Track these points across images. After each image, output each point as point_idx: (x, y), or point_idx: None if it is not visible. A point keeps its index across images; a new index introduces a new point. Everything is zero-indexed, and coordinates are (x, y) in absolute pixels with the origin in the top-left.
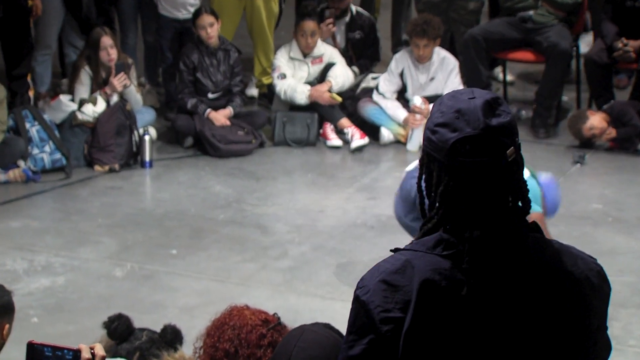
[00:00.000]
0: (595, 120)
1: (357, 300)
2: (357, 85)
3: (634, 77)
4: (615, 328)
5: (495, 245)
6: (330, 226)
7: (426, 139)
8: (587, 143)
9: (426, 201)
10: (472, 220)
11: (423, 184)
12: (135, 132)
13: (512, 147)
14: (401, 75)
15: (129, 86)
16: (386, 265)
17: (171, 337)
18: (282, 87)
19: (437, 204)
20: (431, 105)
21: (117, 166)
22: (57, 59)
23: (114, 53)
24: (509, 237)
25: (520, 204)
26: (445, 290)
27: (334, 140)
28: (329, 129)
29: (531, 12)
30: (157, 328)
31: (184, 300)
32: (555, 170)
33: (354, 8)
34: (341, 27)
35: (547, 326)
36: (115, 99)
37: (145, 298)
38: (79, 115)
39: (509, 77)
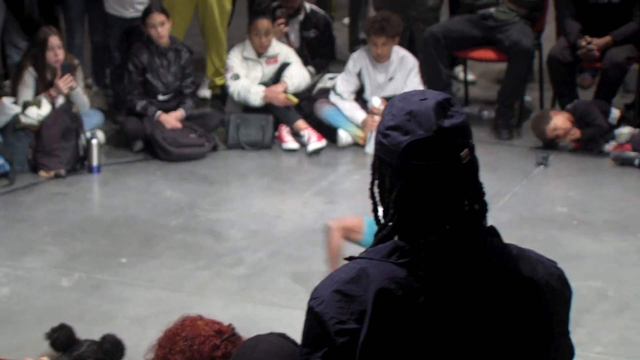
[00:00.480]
0: (559, 121)
1: (310, 312)
2: (313, 85)
3: (598, 76)
4: (580, 334)
5: (452, 252)
6: (287, 232)
7: (377, 142)
8: (550, 144)
9: (380, 208)
10: (427, 226)
11: (376, 190)
12: (82, 136)
13: (467, 149)
14: (359, 75)
15: (75, 88)
16: (340, 275)
17: (110, 347)
18: (236, 88)
19: (391, 210)
20: None
21: (63, 171)
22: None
23: (60, 54)
24: (466, 242)
25: (477, 207)
26: (401, 300)
27: (290, 142)
28: (284, 131)
29: (492, 10)
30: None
31: (134, 311)
32: (518, 172)
33: (308, 6)
34: (295, 26)
35: (507, 333)
36: (61, 101)
37: (94, 309)
38: (23, 119)
39: (470, 77)
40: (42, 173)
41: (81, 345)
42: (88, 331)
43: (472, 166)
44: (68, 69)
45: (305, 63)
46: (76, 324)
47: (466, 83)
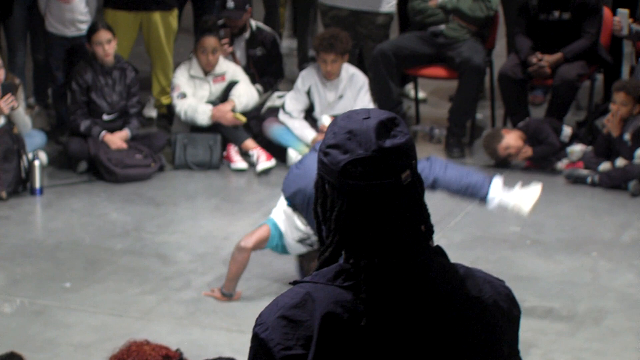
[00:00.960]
0: (511, 139)
1: (255, 339)
2: (261, 104)
3: (549, 93)
4: (534, 355)
5: (395, 274)
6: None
7: (319, 161)
8: (502, 162)
9: (323, 227)
10: (369, 248)
11: (319, 209)
12: (24, 157)
13: (408, 170)
14: (308, 93)
15: (16, 108)
16: (285, 300)
17: None
18: (182, 107)
19: (332, 230)
20: None
21: (4, 194)
22: None
23: (1, 73)
24: (409, 263)
25: (422, 228)
26: (347, 323)
27: (239, 162)
28: (233, 150)
29: (442, 27)
30: None
31: (79, 337)
32: None
33: (254, 24)
34: (241, 44)
35: (454, 354)
36: (1, 121)
37: (36, 335)
38: None
39: (421, 94)
40: None
41: None
42: (31, 359)
43: (415, 187)
44: (9, 88)
45: (253, 81)
46: (18, 351)
47: (417, 101)
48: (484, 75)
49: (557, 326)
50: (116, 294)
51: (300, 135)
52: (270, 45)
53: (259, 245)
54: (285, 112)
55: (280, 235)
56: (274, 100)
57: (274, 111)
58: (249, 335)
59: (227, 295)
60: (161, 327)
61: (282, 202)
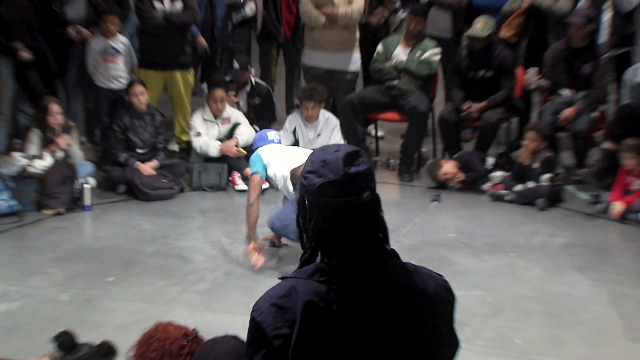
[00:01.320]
0: (448, 167)
1: (252, 321)
2: None
3: (477, 132)
4: (466, 332)
5: (359, 270)
6: (239, 255)
7: (300, 183)
8: (441, 185)
9: (304, 235)
10: (339, 250)
11: (300, 220)
12: (77, 182)
13: (368, 191)
14: (294, 132)
15: (71, 144)
16: (275, 291)
17: (106, 350)
18: (198, 143)
19: (310, 236)
20: None
21: (62, 210)
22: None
23: (60, 118)
24: (371, 263)
25: (380, 235)
26: (322, 309)
27: (241, 185)
28: (236, 176)
29: (396, 82)
30: (97, 343)
31: (118, 320)
32: (417, 207)
33: (253, 79)
34: (243, 95)
35: (405, 332)
36: (60, 155)
37: (86, 318)
38: (30, 169)
39: (380, 133)
40: (45, 211)
41: (81, 348)
42: (82, 336)
43: (374, 203)
44: (66, 130)
45: (252, 123)
46: (77, 329)
47: (377, 138)
48: (427, 118)
49: (483, 309)
50: (147, 287)
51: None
52: (265, 96)
53: (258, 192)
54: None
55: (264, 167)
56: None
57: None
58: (248, 318)
59: (254, 238)
60: (181, 312)
61: (282, 166)
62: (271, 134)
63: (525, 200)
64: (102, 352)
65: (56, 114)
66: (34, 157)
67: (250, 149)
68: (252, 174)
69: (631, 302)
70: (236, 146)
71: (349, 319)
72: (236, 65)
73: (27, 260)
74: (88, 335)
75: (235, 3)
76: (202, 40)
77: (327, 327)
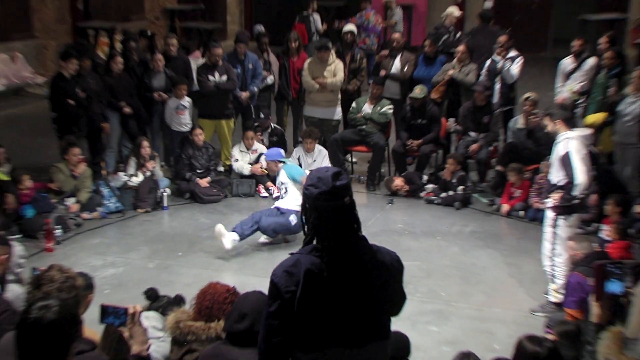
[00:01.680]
0: (398, 181)
1: (272, 282)
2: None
3: (416, 159)
4: (409, 288)
5: (341, 249)
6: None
7: (303, 193)
8: (394, 193)
9: (305, 226)
10: (328, 236)
11: (303, 217)
12: (159, 191)
13: (348, 197)
14: (298, 159)
15: (155, 167)
16: (286, 262)
17: (179, 300)
18: (236, 166)
19: (310, 228)
20: None
21: (149, 209)
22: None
23: (148, 150)
24: (349, 244)
25: (355, 226)
26: (317, 274)
27: (264, 193)
28: (261, 187)
29: (364, 127)
30: (172, 295)
31: (185, 280)
32: (378, 207)
33: (272, 125)
34: (266, 135)
35: (372, 290)
36: (148, 174)
37: (164, 279)
38: (129, 183)
39: (355, 159)
40: (139, 210)
41: (162, 298)
42: (162, 291)
43: (352, 205)
44: (152, 157)
45: None
46: (156, 287)
47: (352, 163)
48: (384, 150)
49: (420, 274)
50: (203, 259)
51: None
52: (280, 136)
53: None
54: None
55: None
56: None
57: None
58: (269, 280)
59: None
60: (225, 276)
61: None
62: (281, 151)
63: (447, 203)
64: (176, 301)
65: (146, 147)
66: (132, 175)
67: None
68: (302, 176)
69: (514, 268)
70: (261, 168)
71: (335, 281)
72: (262, 115)
73: (127, 241)
74: (166, 290)
75: (262, 79)
76: (243, 96)
77: (319, 287)
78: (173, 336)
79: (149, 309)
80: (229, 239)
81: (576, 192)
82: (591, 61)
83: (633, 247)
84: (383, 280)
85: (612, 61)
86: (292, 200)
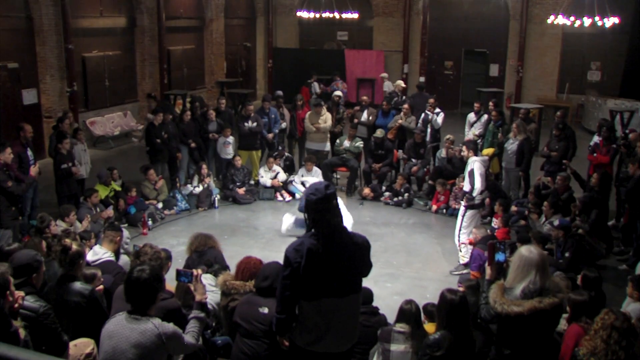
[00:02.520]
0: (367, 190)
1: (285, 256)
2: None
3: (378, 176)
4: (373, 259)
5: (332, 234)
6: (280, 227)
7: (305, 199)
8: (364, 198)
9: (307, 222)
10: (323, 227)
11: (305, 216)
12: (212, 196)
13: (335, 200)
14: (302, 175)
15: (210, 181)
16: (295, 242)
17: (225, 267)
18: (262, 180)
19: (310, 222)
20: None
21: (206, 208)
22: (186, 173)
23: (206, 170)
24: (336, 231)
25: (339, 219)
26: (315, 251)
27: (279, 198)
28: (278, 194)
29: (344, 155)
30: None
31: (229, 254)
32: (353, 207)
33: (285, 154)
34: (281, 160)
35: (352, 261)
36: (206, 185)
37: None
38: (194, 191)
39: (338, 176)
40: (199, 209)
41: (215, 266)
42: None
43: (337, 206)
44: (207, 175)
45: (285, 172)
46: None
47: (337, 178)
48: (357, 170)
49: (380, 250)
50: (240, 240)
51: (301, 190)
52: (290, 161)
53: None
54: (295, 182)
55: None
56: (293, 178)
57: (291, 181)
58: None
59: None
60: (255, 252)
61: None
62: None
63: (398, 204)
64: (223, 268)
65: (204, 168)
66: (195, 186)
67: (286, 182)
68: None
69: (439, 246)
70: (277, 182)
71: (327, 255)
72: (280, 148)
73: (192, 228)
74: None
75: (279, 125)
76: (269, 136)
77: (317, 259)
78: (222, 290)
79: (206, 272)
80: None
81: (475, 194)
82: (485, 116)
83: (510, 232)
84: (357, 255)
85: (496, 117)
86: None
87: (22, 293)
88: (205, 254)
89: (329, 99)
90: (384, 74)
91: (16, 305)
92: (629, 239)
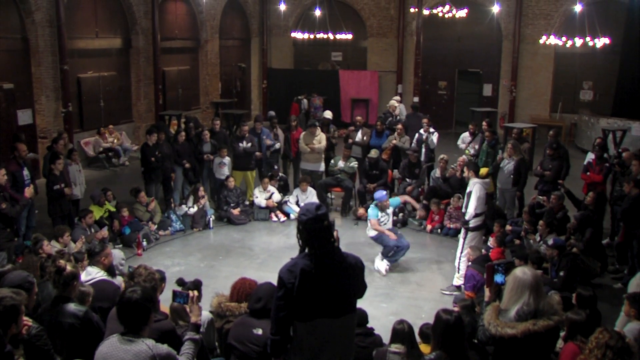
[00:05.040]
0: (361, 210)
1: (279, 277)
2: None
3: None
4: (368, 279)
5: (324, 255)
6: (277, 248)
7: (298, 219)
8: (358, 218)
9: (300, 242)
10: (315, 246)
11: (298, 235)
12: (207, 217)
13: (326, 221)
14: (297, 196)
15: (205, 202)
16: (289, 263)
17: (198, 284)
18: (256, 201)
19: (303, 242)
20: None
21: (200, 228)
22: (181, 194)
23: (202, 191)
24: (329, 251)
25: (333, 240)
26: (308, 272)
27: (274, 219)
28: (272, 215)
29: (339, 175)
30: (215, 286)
31: (224, 275)
32: (348, 227)
33: (280, 174)
34: (276, 181)
35: (345, 282)
36: (200, 206)
37: (211, 274)
38: (188, 212)
39: (333, 196)
40: (194, 229)
41: (188, 283)
42: (207, 282)
43: (329, 226)
44: (202, 197)
45: (280, 192)
46: (204, 279)
47: (332, 199)
48: (352, 190)
49: (373, 267)
50: (235, 261)
51: (294, 209)
52: (285, 181)
53: None
54: (290, 202)
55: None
56: (288, 197)
57: (286, 202)
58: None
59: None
60: (250, 272)
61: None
62: (384, 192)
63: (393, 224)
64: (195, 284)
65: (200, 190)
66: (190, 207)
67: (281, 202)
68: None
69: (435, 266)
70: (272, 202)
71: (320, 276)
72: (275, 167)
73: (187, 249)
74: (211, 281)
75: (272, 145)
76: (258, 155)
77: (310, 280)
78: (217, 312)
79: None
80: (382, 267)
81: (467, 217)
82: (479, 136)
83: (505, 252)
84: (351, 275)
85: (490, 136)
86: (389, 224)
87: (29, 321)
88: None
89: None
90: (395, 100)
91: (23, 332)
92: (624, 257)
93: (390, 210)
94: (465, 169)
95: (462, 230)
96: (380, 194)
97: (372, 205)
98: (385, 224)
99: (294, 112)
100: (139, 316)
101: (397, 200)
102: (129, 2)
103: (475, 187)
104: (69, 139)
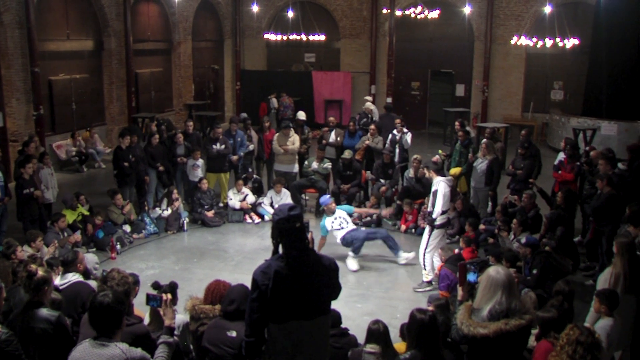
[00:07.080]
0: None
1: (253, 278)
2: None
3: (346, 197)
4: (342, 280)
5: (298, 257)
6: (251, 250)
7: (272, 220)
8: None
9: (274, 242)
10: (289, 248)
11: (272, 237)
12: (181, 220)
13: (299, 222)
14: (271, 197)
15: (179, 205)
16: (263, 264)
17: (174, 286)
18: (231, 203)
19: (277, 243)
20: None
21: (175, 231)
22: (155, 197)
23: (175, 194)
24: (303, 253)
25: (307, 241)
26: (281, 273)
27: (248, 220)
28: (247, 216)
29: (313, 176)
30: (190, 289)
31: (198, 277)
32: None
33: (254, 176)
34: (250, 183)
35: (319, 283)
36: (174, 209)
37: (185, 276)
38: (162, 215)
39: (307, 197)
40: (168, 232)
41: (163, 286)
42: (182, 284)
43: (302, 228)
44: (176, 199)
45: (254, 194)
46: (180, 281)
47: (306, 200)
48: (326, 191)
49: (347, 271)
50: (210, 263)
51: (268, 211)
52: (259, 183)
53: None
54: (264, 204)
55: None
56: (258, 200)
57: (260, 203)
58: (249, 277)
59: None
60: (224, 274)
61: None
62: (328, 196)
63: (367, 224)
64: (171, 287)
65: (174, 192)
66: (164, 209)
67: (255, 204)
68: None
69: (409, 266)
70: (246, 204)
71: (294, 278)
72: (249, 170)
73: (161, 252)
74: (186, 283)
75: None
76: (234, 159)
77: (284, 281)
78: (191, 314)
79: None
80: (354, 265)
81: (434, 215)
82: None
83: (477, 250)
84: (325, 277)
85: (463, 136)
86: (351, 224)
87: None
88: None
89: (294, 121)
90: (369, 102)
91: None
92: (594, 254)
93: (344, 214)
94: (425, 170)
95: (427, 227)
96: (324, 198)
97: (323, 218)
98: (344, 227)
99: (262, 112)
100: (111, 320)
101: (350, 208)
102: (100, 3)
103: (440, 186)
104: (41, 142)
